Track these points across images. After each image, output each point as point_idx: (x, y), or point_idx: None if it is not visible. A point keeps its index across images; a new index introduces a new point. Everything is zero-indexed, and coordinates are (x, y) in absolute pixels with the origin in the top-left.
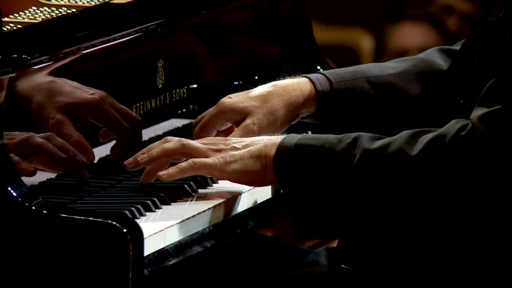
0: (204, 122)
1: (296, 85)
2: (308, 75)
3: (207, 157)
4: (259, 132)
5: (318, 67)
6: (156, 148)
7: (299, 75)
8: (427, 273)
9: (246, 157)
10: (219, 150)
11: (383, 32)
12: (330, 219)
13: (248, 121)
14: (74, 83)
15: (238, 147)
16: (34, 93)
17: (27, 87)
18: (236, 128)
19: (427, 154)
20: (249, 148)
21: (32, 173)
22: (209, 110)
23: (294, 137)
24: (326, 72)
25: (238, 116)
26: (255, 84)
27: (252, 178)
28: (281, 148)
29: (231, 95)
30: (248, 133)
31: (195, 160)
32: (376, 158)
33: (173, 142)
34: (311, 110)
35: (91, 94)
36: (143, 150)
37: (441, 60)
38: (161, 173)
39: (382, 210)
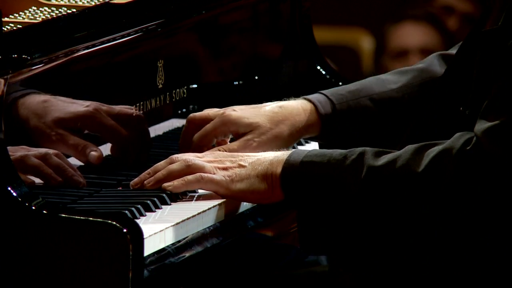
0: (206, 132)
1: (301, 109)
2: (309, 98)
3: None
4: (257, 149)
5: (318, 67)
6: (162, 170)
7: (299, 97)
8: (427, 274)
9: (252, 176)
10: (225, 168)
11: (383, 32)
12: (338, 235)
13: (249, 136)
14: (68, 99)
15: (244, 165)
16: (30, 116)
17: (22, 110)
18: (237, 140)
19: (433, 169)
20: (255, 167)
21: (30, 185)
22: (207, 111)
23: (300, 154)
24: (328, 92)
25: (242, 130)
26: (255, 84)
27: (259, 197)
28: (287, 166)
29: (235, 108)
30: (247, 147)
31: (203, 174)
32: (382, 174)
33: (178, 163)
34: (315, 133)
35: (86, 106)
36: (148, 170)
37: (441, 67)
38: (166, 184)
39: (389, 226)
